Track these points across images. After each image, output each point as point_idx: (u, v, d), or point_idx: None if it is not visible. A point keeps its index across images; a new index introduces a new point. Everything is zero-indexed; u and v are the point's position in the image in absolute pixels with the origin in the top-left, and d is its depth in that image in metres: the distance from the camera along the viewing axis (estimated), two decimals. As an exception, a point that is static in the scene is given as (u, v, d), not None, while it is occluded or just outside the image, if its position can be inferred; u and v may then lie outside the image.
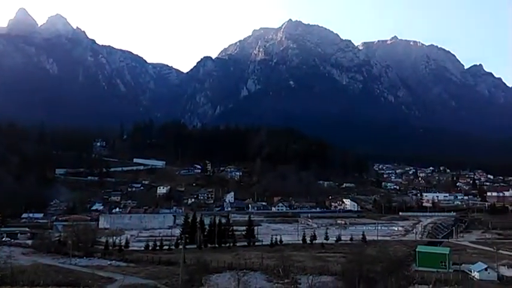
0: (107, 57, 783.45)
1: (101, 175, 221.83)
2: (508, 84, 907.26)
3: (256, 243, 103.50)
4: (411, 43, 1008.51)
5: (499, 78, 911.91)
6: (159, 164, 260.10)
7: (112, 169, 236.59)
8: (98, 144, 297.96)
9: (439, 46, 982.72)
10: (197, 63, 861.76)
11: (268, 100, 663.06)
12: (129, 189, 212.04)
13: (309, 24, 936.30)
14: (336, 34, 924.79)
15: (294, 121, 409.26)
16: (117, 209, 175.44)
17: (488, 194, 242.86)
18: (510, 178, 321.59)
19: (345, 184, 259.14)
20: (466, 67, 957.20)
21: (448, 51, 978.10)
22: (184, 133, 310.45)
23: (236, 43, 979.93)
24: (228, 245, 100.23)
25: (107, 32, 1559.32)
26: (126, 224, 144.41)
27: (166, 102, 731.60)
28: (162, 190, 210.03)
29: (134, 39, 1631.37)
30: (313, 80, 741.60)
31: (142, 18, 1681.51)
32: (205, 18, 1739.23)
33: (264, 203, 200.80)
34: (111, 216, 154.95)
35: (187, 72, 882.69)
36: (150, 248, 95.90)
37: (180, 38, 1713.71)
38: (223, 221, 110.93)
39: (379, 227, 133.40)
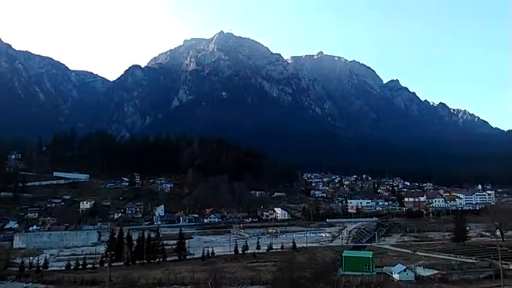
0: (25, 63, 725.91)
1: (16, 190, 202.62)
2: (421, 98, 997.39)
3: (188, 257, 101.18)
4: (336, 58, 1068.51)
5: (413, 93, 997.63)
6: (82, 177, 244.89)
7: (29, 184, 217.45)
8: (13, 156, 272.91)
9: (360, 62, 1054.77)
10: (125, 71, 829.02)
11: (200, 111, 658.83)
12: (49, 205, 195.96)
13: (240, 36, 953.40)
14: (266, 48, 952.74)
15: (226, 132, 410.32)
16: (35, 227, 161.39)
17: (406, 199, 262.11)
18: (424, 184, 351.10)
19: (276, 193, 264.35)
20: (384, 82, 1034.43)
21: (369, 67, 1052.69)
22: (111, 144, 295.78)
23: (167, 52, 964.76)
24: (157, 260, 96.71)
25: (24, 36, 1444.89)
26: (44, 243, 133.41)
27: (90, 112, 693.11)
28: (85, 205, 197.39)
29: (55, 44, 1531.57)
30: (244, 91, 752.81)
31: (64, 22, 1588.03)
32: (134, 25, 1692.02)
33: (195, 215, 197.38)
34: (27, 235, 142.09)
35: (114, 81, 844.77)
36: (72, 267, 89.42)
37: (107, 44, 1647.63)
38: (153, 235, 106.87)
39: (308, 234, 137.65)
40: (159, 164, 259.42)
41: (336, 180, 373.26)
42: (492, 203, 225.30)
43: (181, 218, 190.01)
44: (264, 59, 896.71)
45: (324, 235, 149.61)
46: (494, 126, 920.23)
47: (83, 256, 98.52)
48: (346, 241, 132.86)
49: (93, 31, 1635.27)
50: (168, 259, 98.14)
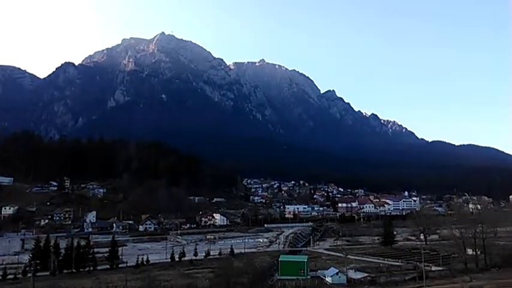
0: None
1: None
2: (355, 109, 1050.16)
3: (121, 265, 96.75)
4: (277, 67, 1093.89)
5: (348, 103, 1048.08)
6: (5, 180, 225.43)
7: None
8: None
9: (300, 71, 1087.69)
10: (57, 68, 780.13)
11: (138, 113, 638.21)
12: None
13: (182, 39, 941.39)
14: (209, 52, 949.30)
15: (165, 135, 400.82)
16: None
17: (339, 205, 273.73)
18: (356, 191, 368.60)
19: (215, 199, 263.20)
20: (322, 92, 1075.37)
21: (308, 77, 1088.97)
22: (39, 145, 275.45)
23: (103, 50, 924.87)
24: (87, 269, 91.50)
25: None
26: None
27: (17, 111, 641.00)
28: (8, 211, 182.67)
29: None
30: (185, 94, 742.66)
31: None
32: (68, 20, 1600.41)
33: (130, 222, 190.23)
34: None
35: (44, 78, 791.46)
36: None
37: (38, 39, 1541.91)
38: (83, 243, 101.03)
39: (247, 240, 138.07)
40: (92, 168, 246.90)
41: (275, 186, 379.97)
42: (417, 209, 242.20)
43: (114, 224, 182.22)
44: (206, 63, 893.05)
45: (261, 240, 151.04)
46: (419, 137, 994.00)
47: (3, 266, 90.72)
48: (283, 246, 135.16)
49: (22, 23, 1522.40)
50: (99, 268, 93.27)
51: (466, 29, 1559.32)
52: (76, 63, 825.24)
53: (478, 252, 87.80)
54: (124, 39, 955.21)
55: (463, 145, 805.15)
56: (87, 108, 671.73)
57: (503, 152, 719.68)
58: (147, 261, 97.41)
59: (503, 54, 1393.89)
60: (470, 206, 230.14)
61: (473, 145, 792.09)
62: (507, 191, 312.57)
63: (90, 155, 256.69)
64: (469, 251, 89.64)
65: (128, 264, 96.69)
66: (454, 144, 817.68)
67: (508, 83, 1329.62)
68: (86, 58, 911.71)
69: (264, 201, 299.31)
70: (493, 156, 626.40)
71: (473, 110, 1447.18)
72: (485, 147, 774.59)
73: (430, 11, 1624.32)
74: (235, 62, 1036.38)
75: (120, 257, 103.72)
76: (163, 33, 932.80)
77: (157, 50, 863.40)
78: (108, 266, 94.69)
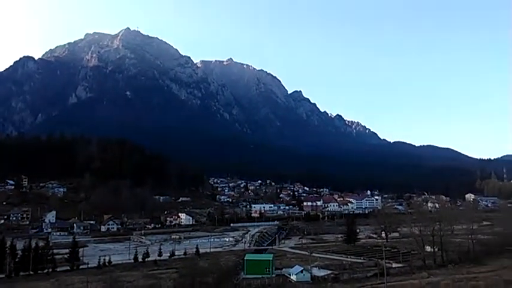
0: None
1: None
2: (321, 110, 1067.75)
3: (82, 267, 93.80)
4: (244, 66, 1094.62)
5: (314, 104, 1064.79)
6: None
7: None
8: None
9: (267, 71, 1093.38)
10: (15, 62, 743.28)
11: (102, 110, 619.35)
12: None
13: (148, 35, 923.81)
14: (176, 49, 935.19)
15: (129, 133, 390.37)
16: None
17: (305, 203, 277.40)
18: (321, 190, 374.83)
19: (181, 198, 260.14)
20: (289, 92, 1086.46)
21: (275, 77, 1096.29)
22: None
23: (65, 45, 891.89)
24: (46, 271, 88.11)
25: None
26: None
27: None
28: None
29: None
30: (151, 92, 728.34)
31: None
32: (27, 11, 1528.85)
33: (92, 222, 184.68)
34: None
35: (1, 72, 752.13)
36: None
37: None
38: (42, 244, 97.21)
39: (212, 239, 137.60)
40: (52, 166, 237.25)
41: (242, 185, 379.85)
42: (379, 208, 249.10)
43: (75, 225, 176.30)
44: (173, 61, 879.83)
45: (227, 239, 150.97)
46: (382, 138, 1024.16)
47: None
48: (248, 245, 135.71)
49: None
50: (58, 269, 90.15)
51: (426, 33, 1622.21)
52: (36, 57, 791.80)
53: (436, 249, 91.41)
54: (87, 33, 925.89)
55: (423, 146, 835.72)
56: (47, 104, 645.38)
57: (460, 153, 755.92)
58: (109, 262, 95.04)
59: (461, 56, 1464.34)
60: (429, 204, 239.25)
61: (433, 146, 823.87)
62: (464, 190, 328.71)
63: (50, 152, 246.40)
64: (428, 248, 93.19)
65: (89, 266, 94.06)
66: (415, 145, 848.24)
67: (470, 87, 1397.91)
68: (46, 52, 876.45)
69: (230, 200, 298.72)
70: (451, 157, 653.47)
71: (432, 112, 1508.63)
72: (444, 148, 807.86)
73: (394, 16, 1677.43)
74: (203, 60, 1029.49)
75: (81, 258, 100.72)
76: (128, 28, 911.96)
77: (122, 46, 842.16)
78: (69, 268, 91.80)
